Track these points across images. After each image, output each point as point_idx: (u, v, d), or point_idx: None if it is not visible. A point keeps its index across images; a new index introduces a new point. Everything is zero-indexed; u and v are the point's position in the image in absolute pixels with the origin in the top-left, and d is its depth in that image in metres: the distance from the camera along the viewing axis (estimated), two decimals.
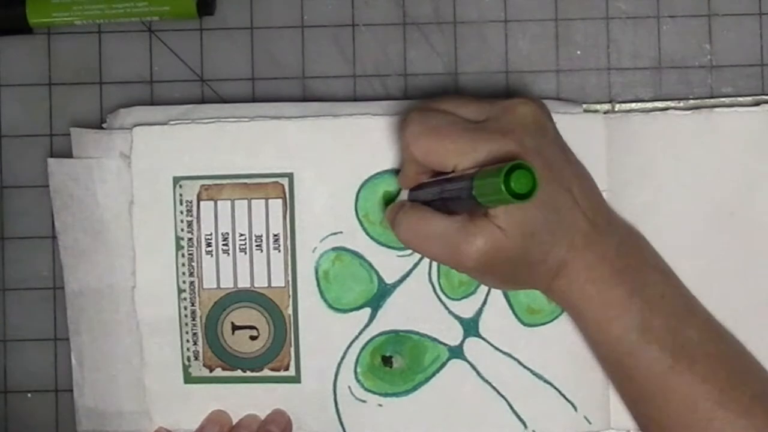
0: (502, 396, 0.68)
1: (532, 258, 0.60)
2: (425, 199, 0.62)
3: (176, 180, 0.68)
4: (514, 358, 0.68)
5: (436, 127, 0.61)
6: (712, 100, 0.69)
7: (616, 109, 0.69)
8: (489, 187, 0.54)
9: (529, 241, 0.59)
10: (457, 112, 0.62)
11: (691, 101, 0.69)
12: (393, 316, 0.69)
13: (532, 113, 0.61)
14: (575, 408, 0.68)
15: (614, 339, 0.62)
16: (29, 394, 0.72)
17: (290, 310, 0.69)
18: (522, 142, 0.59)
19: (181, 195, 0.68)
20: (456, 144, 0.59)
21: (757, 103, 0.69)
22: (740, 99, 0.69)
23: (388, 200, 0.68)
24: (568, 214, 0.61)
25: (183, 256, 0.69)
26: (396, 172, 0.68)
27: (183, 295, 0.69)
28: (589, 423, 0.68)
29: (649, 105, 0.69)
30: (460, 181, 0.57)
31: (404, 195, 0.66)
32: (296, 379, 0.69)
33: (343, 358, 0.69)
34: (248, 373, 0.69)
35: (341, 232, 0.68)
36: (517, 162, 0.53)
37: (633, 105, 0.69)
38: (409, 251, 0.68)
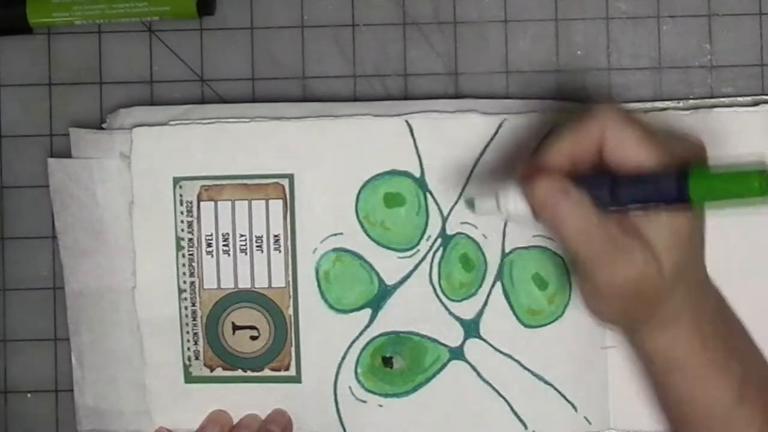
0: (503, 397, 0.68)
1: (667, 296, 0.57)
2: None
3: (176, 180, 0.68)
4: (515, 360, 0.68)
5: (640, 120, 0.57)
6: (711, 100, 0.69)
7: None
8: (728, 184, 0.54)
9: (677, 279, 0.57)
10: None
11: (691, 101, 0.69)
12: (393, 317, 0.69)
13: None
14: (575, 408, 0.68)
15: (710, 399, 0.59)
16: (29, 394, 0.72)
17: (291, 311, 0.69)
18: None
19: (181, 195, 0.68)
20: (656, 138, 0.56)
21: (756, 104, 0.69)
22: (739, 99, 0.69)
23: (389, 201, 0.68)
24: (699, 255, 0.59)
25: (183, 256, 0.69)
26: (396, 172, 0.68)
27: (183, 295, 0.69)
28: (589, 423, 0.68)
29: (649, 105, 0.69)
30: (659, 179, 0.55)
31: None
32: (297, 379, 0.69)
33: (343, 358, 0.69)
34: (249, 373, 0.69)
35: (342, 233, 0.69)
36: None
37: (632, 105, 0.69)
38: (410, 252, 0.68)
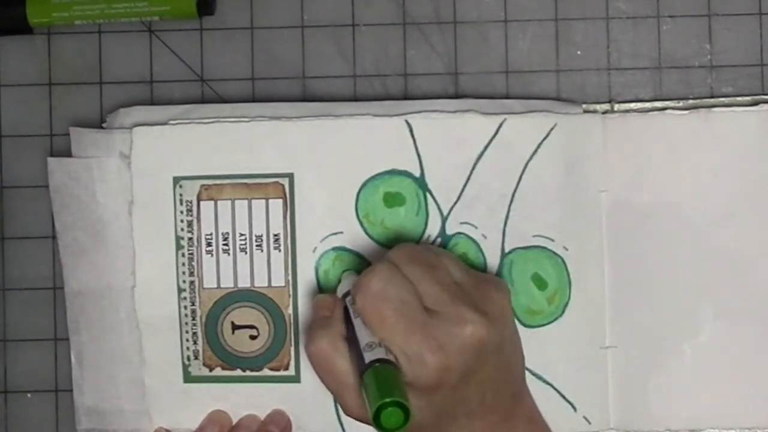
0: None
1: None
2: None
3: (176, 180, 0.68)
4: None
5: (392, 301, 0.59)
6: (711, 100, 0.69)
7: (615, 110, 0.69)
8: (369, 393, 0.56)
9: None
10: (419, 286, 0.60)
11: (690, 101, 0.69)
12: None
13: (479, 337, 0.59)
14: (575, 408, 0.68)
15: None
16: (29, 394, 0.72)
17: (290, 310, 0.69)
18: (446, 367, 0.58)
19: (181, 195, 0.68)
20: (395, 327, 0.59)
21: (755, 103, 0.69)
22: (739, 99, 0.69)
23: (389, 201, 0.68)
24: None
25: (183, 255, 0.69)
26: (396, 172, 0.68)
27: (183, 294, 0.69)
28: (589, 423, 0.68)
29: (649, 105, 0.69)
30: (362, 352, 0.58)
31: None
32: (296, 379, 0.69)
33: None
34: (248, 373, 0.69)
35: (341, 232, 0.68)
36: (394, 400, 0.55)
37: (632, 105, 0.69)
38: None
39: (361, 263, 0.68)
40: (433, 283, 0.60)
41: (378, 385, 0.56)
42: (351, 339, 0.60)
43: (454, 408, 0.60)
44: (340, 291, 0.65)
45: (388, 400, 0.55)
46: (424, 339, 0.58)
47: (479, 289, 0.62)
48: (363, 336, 0.59)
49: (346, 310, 0.63)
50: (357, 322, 0.60)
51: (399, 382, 0.57)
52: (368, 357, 0.58)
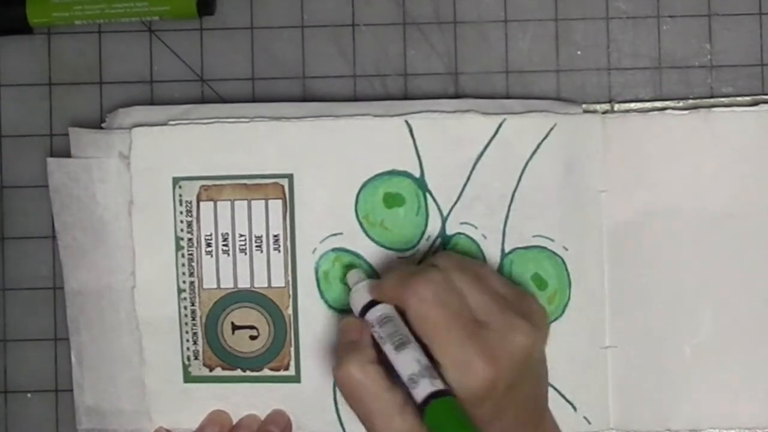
0: None
1: None
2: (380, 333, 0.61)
3: (176, 180, 0.68)
4: None
5: (446, 308, 0.59)
6: (711, 100, 0.69)
7: (615, 109, 0.69)
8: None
9: None
10: (469, 295, 0.60)
11: (690, 101, 0.69)
12: None
13: (528, 347, 0.59)
14: (575, 408, 0.68)
15: None
16: (29, 394, 0.72)
17: (290, 310, 0.69)
18: (497, 377, 0.58)
19: (180, 195, 0.68)
20: (447, 336, 0.59)
21: (755, 103, 0.69)
22: (739, 99, 0.69)
23: (389, 201, 0.68)
24: None
25: (183, 256, 0.69)
26: (396, 172, 0.68)
27: (183, 294, 0.69)
28: (589, 423, 0.68)
29: (649, 105, 0.69)
30: (411, 386, 0.58)
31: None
32: (296, 379, 0.69)
33: None
34: (248, 373, 0.69)
35: (341, 233, 0.68)
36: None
37: (632, 105, 0.69)
38: (410, 252, 0.68)
39: (360, 264, 0.68)
40: (482, 292, 0.60)
41: (452, 422, 0.56)
42: (385, 364, 0.60)
43: (491, 422, 0.59)
44: (357, 304, 0.64)
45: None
46: (476, 349, 0.58)
47: (522, 300, 0.62)
48: (401, 364, 0.59)
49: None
50: (388, 348, 0.60)
51: (465, 412, 0.57)
52: (422, 390, 0.57)
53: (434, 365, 0.59)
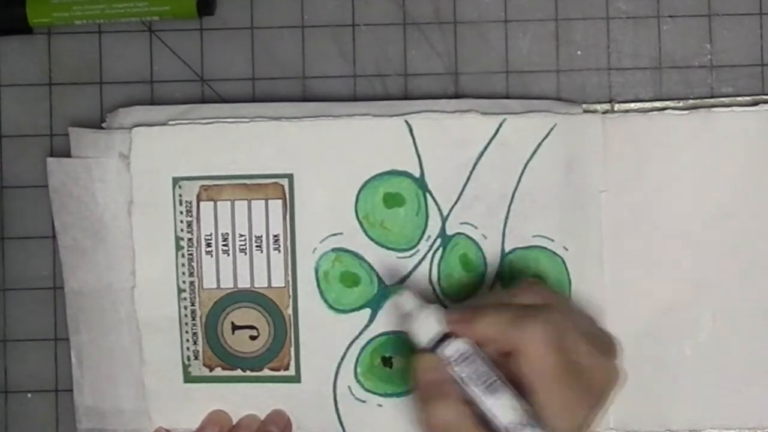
0: None
1: None
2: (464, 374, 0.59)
3: (176, 180, 0.68)
4: None
5: (563, 354, 0.58)
6: (710, 100, 0.69)
7: (615, 109, 0.69)
8: None
9: None
10: (566, 335, 0.59)
11: (690, 101, 0.69)
12: (393, 317, 0.68)
13: (613, 385, 0.60)
14: None
15: None
16: (29, 394, 0.72)
17: (290, 310, 0.69)
18: (592, 422, 0.59)
19: (180, 195, 0.68)
20: (558, 383, 0.58)
21: (755, 103, 0.69)
22: (739, 99, 0.69)
23: (389, 201, 0.68)
24: None
25: (183, 256, 0.69)
26: (396, 172, 0.68)
27: (183, 294, 0.69)
28: None
29: (649, 105, 0.69)
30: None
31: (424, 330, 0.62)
32: (296, 379, 0.69)
33: (343, 358, 0.69)
34: (248, 373, 0.69)
35: (341, 233, 0.68)
36: None
37: (632, 105, 0.69)
38: (410, 253, 0.68)
39: (360, 264, 0.68)
40: (577, 332, 0.59)
41: None
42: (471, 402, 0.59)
43: None
44: (424, 335, 0.61)
45: None
46: (578, 393, 0.58)
47: (604, 335, 0.63)
48: (497, 409, 0.58)
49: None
50: (476, 390, 0.59)
51: None
52: None
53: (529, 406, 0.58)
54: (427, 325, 0.61)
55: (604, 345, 0.61)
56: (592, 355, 0.59)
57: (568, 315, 0.60)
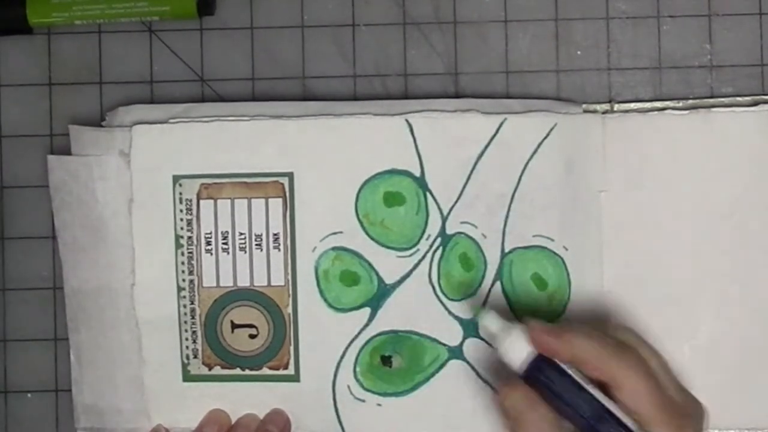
0: None
1: None
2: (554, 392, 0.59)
3: (176, 178, 0.68)
4: None
5: (660, 390, 0.59)
6: (710, 100, 0.69)
7: (615, 109, 0.69)
8: None
9: None
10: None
11: (690, 101, 0.69)
12: (393, 316, 0.69)
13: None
14: None
15: None
16: (29, 394, 0.72)
17: (290, 309, 0.69)
18: None
19: (180, 193, 0.68)
20: (662, 417, 0.58)
21: (755, 103, 0.69)
22: (739, 99, 0.69)
23: (389, 200, 0.68)
24: None
25: (182, 254, 0.69)
26: (396, 171, 0.68)
27: (182, 293, 0.69)
28: None
29: (649, 105, 0.69)
30: None
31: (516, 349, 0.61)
32: (295, 378, 0.69)
33: (342, 357, 0.68)
34: (247, 372, 0.69)
35: (341, 232, 0.68)
36: None
37: (632, 105, 0.69)
38: (410, 252, 0.68)
39: (360, 263, 0.68)
40: (667, 370, 0.61)
41: None
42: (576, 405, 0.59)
43: None
44: (516, 358, 0.61)
45: None
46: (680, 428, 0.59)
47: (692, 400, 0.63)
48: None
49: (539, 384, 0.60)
50: (596, 394, 0.59)
51: None
52: None
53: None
54: (516, 349, 0.61)
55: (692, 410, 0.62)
56: (684, 392, 0.61)
57: (657, 354, 0.61)
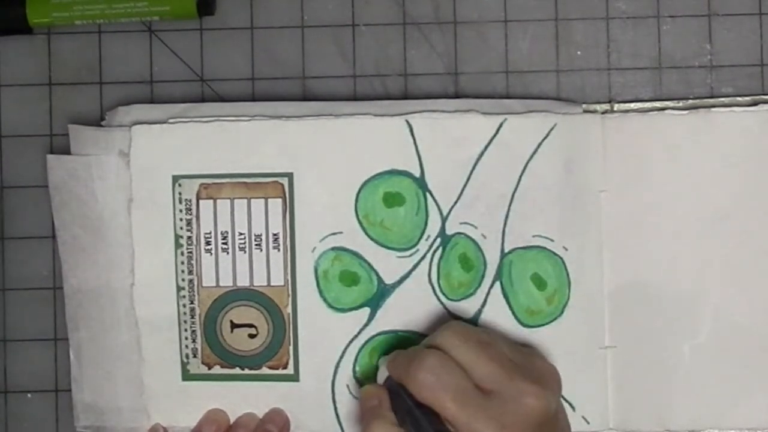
0: None
1: None
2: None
3: (175, 178, 0.68)
4: None
5: (448, 390, 0.60)
6: (710, 100, 0.69)
7: (615, 109, 0.69)
8: None
9: None
10: (474, 367, 0.61)
11: (690, 101, 0.69)
12: (392, 317, 0.69)
13: (539, 409, 0.60)
14: (573, 408, 0.68)
15: None
16: (29, 394, 0.72)
17: (289, 309, 0.69)
18: None
19: (180, 193, 0.68)
20: (457, 415, 0.59)
21: (755, 103, 0.69)
22: (739, 99, 0.69)
23: (389, 200, 0.68)
24: None
25: (182, 254, 0.69)
26: (396, 172, 0.68)
27: (182, 293, 0.69)
28: (588, 423, 0.68)
29: (649, 105, 0.69)
30: None
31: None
32: (295, 378, 0.69)
33: (341, 357, 0.68)
34: (247, 371, 0.69)
35: (341, 232, 0.68)
36: None
37: (632, 105, 0.69)
38: (409, 252, 0.68)
39: (360, 263, 0.68)
40: (487, 362, 0.61)
41: None
42: (410, 424, 0.61)
43: None
44: (381, 377, 0.65)
45: None
46: (487, 422, 0.59)
47: (530, 361, 0.63)
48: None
49: (392, 396, 0.63)
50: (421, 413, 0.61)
51: None
52: None
53: None
54: (384, 371, 0.65)
55: (529, 370, 0.62)
56: (502, 381, 0.60)
57: (466, 347, 0.61)
